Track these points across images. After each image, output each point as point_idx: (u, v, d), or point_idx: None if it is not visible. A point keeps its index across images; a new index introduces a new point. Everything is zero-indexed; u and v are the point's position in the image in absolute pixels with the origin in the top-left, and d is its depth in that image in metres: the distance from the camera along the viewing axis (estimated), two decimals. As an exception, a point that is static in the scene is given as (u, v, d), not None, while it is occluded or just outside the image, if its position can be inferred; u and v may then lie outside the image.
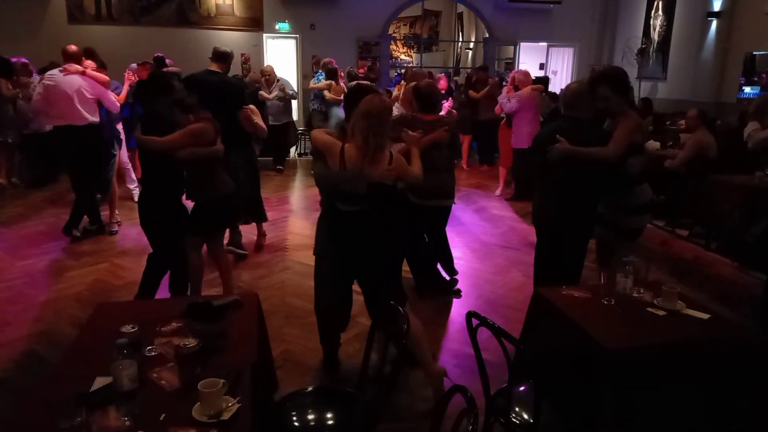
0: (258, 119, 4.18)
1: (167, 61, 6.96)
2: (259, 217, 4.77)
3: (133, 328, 1.69)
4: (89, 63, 4.98)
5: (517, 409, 2.01)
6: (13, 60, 6.66)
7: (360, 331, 3.33)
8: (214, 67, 4.26)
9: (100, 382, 1.60)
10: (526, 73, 6.50)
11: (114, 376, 1.46)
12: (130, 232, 5.21)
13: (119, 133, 5.43)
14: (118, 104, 5.09)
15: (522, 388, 2.09)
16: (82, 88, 4.79)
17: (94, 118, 4.88)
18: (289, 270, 4.39)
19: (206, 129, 3.22)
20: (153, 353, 1.76)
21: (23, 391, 2.74)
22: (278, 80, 7.99)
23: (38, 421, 1.46)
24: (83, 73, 4.82)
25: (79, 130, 4.77)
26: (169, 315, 2.01)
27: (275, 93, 7.81)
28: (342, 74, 8.09)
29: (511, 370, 2.16)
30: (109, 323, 1.99)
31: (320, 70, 8.19)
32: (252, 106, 4.26)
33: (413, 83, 4.00)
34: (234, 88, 4.25)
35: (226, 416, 1.47)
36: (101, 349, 1.80)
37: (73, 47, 4.93)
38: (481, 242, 5.16)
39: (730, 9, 8.25)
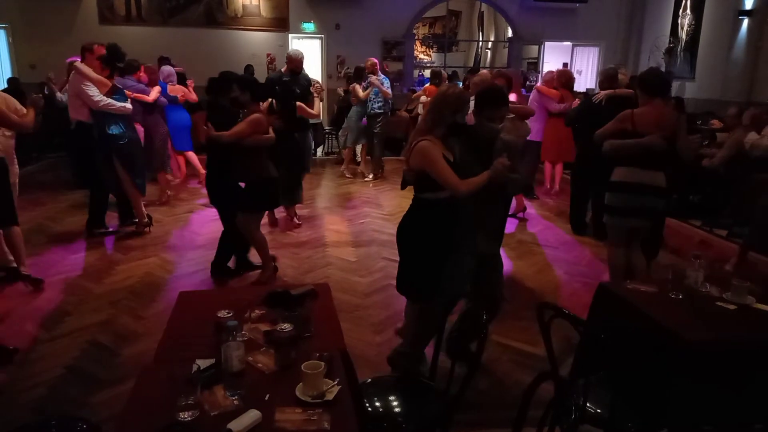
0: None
1: (172, 63, 7.13)
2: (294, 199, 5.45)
3: (228, 313, 1.75)
4: (86, 61, 4.72)
5: (587, 403, 2.04)
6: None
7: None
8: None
9: (201, 364, 1.67)
10: (565, 72, 6.56)
11: (225, 356, 1.53)
12: (173, 228, 5.33)
13: (125, 132, 4.78)
14: (99, 101, 4.56)
15: (590, 380, 2.12)
16: (71, 84, 4.75)
17: (79, 116, 4.71)
18: (331, 266, 4.45)
19: (262, 120, 3.74)
20: (244, 338, 1.83)
21: (93, 378, 2.84)
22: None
23: (155, 399, 1.53)
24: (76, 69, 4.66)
25: (73, 128, 4.80)
26: (251, 304, 2.07)
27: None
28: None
29: (578, 361, 2.20)
30: (194, 310, 2.07)
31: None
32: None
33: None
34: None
35: (329, 397, 1.53)
36: (194, 334, 1.88)
37: (85, 43, 4.85)
38: (518, 240, 5.19)
39: (764, 7, 8.16)
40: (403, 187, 2.89)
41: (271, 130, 3.85)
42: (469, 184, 2.49)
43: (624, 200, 3.48)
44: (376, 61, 7.64)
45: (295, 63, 5.80)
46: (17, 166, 4.21)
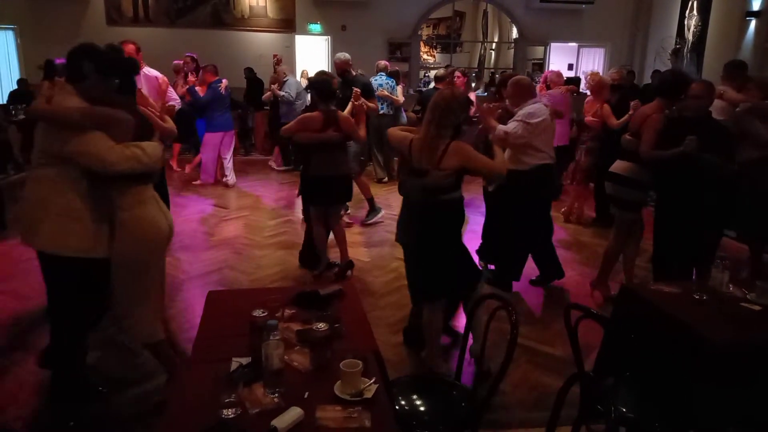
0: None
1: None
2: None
3: (263, 312, 1.78)
4: None
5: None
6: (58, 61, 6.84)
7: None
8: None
9: (237, 363, 1.69)
10: (559, 74, 6.52)
11: (266, 355, 1.55)
12: (185, 228, 5.35)
13: None
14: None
15: (614, 381, 2.14)
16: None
17: None
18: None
19: (307, 119, 4.00)
20: (276, 337, 1.85)
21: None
22: (286, 79, 7.89)
23: (198, 397, 1.56)
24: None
25: None
26: (280, 302, 2.10)
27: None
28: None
29: (601, 360, 2.22)
30: (225, 310, 2.10)
31: (381, 72, 7.61)
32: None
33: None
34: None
35: (368, 395, 1.55)
36: (227, 334, 1.90)
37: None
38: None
39: (771, 9, 8.18)
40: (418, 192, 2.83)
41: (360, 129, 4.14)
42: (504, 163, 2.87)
43: (609, 189, 3.81)
44: (387, 63, 7.71)
45: (339, 66, 5.91)
46: None
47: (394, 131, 2.94)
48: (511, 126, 3.63)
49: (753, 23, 8.42)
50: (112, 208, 2.41)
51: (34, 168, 2.39)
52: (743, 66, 4.84)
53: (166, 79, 4.76)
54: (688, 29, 9.92)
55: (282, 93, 7.77)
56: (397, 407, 2.03)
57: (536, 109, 3.68)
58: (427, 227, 2.73)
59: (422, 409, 2.06)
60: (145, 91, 4.47)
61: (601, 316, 1.95)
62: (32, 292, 3.83)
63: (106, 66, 2.40)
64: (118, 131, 2.33)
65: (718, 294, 2.26)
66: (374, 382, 1.60)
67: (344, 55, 5.98)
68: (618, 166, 3.78)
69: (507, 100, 3.92)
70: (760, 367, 1.98)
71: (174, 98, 4.86)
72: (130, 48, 4.61)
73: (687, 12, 9.96)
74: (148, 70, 4.69)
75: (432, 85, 7.75)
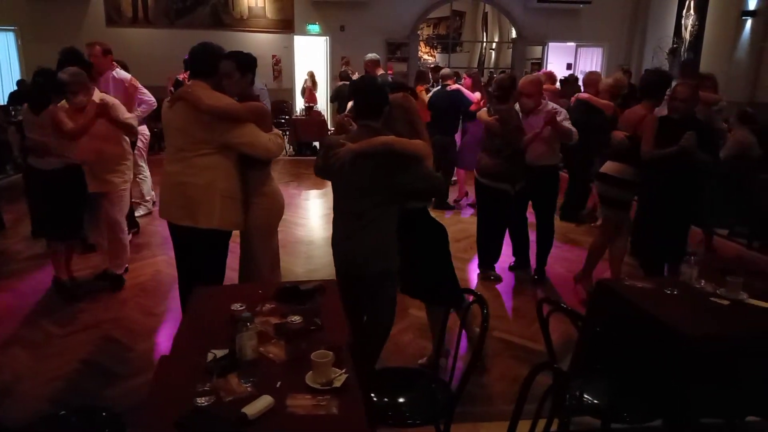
0: None
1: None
2: None
3: (242, 306, 1.84)
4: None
5: (584, 394, 2.12)
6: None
7: (412, 322, 3.47)
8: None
9: (215, 354, 1.75)
10: (550, 75, 6.59)
11: (239, 345, 1.61)
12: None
13: None
14: None
15: (588, 374, 2.19)
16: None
17: None
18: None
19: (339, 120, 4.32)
20: (255, 330, 1.91)
21: (109, 372, 2.94)
22: None
23: (174, 387, 1.62)
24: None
25: None
26: (262, 298, 2.16)
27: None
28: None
29: (578, 355, 2.28)
30: (209, 305, 2.16)
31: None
32: None
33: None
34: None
35: (337, 384, 1.61)
36: (209, 327, 1.97)
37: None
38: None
39: (767, 8, 8.20)
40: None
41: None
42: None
43: (599, 189, 3.91)
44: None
45: (366, 66, 5.97)
46: None
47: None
48: (568, 122, 3.96)
49: (749, 22, 8.44)
50: (249, 186, 2.85)
51: (189, 158, 2.71)
52: (698, 65, 5.35)
53: (135, 82, 4.81)
54: (685, 29, 9.94)
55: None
56: (376, 399, 2.10)
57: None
58: (429, 232, 2.85)
59: (400, 400, 2.12)
60: (112, 93, 4.53)
61: (571, 311, 2.00)
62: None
63: (244, 63, 2.76)
64: (266, 122, 2.80)
65: (689, 289, 2.31)
66: (345, 372, 1.66)
67: (374, 56, 5.97)
68: (610, 167, 3.82)
69: (523, 99, 4.01)
70: (727, 359, 2.03)
71: (147, 99, 4.91)
72: (96, 50, 4.63)
73: (684, 11, 9.99)
74: (117, 73, 4.74)
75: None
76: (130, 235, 4.97)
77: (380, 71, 5.73)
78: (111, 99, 3.82)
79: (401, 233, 2.45)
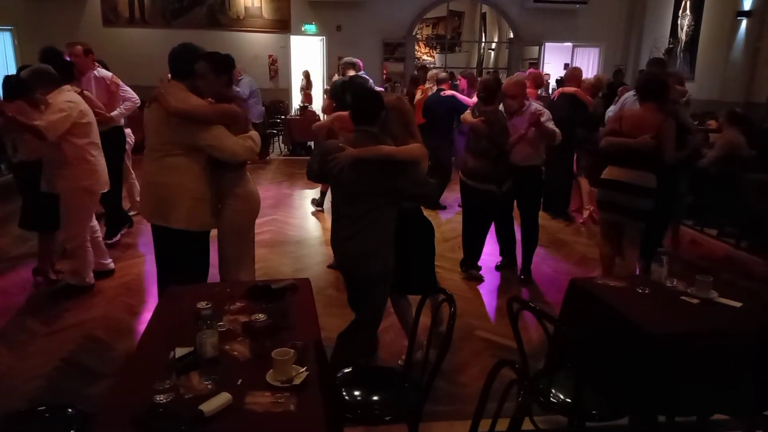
0: None
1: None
2: None
3: (207, 304, 1.85)
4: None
5: (553, 391, 2.13)
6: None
7: (393, 322, 3.47)
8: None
9: (179, 352, 1.77)
10: (538, 75, 6.59)
11: (199, 343, 1.62)
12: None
13: None
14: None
15: (559, 373, 2.20)
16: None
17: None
18: (325, 264, 4.54)
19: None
20: (223, 329, 1.93)
21: (90, 371, 2.95)
22: (241, 78, 7.81)
23: (135, 384, 1.63)
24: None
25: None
26: (232, 296, 2.18)
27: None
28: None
29: (550, 354, 2.28)
30: (179, 303, 2.18)
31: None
32: None
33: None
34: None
35: (297, 381, 1.62)
36: (176, 325, 1.98)
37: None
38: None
39: (762, 8, 8.19)
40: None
41: None
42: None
43: (610, 197, 3.61)
44: (357, 61, 7.60)
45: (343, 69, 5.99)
46: None
47: None
48: (551, 123, 4.00)
49: (744, 23, 8.43)
50: (221, 187, 2.86)
51: (160, 157, 2.74)
52: (664, 63, 5.59)
53: (117, 79, 4.83)
54: (681, 29, 9.93)
55: (237, 89, 7.82)
56: (348, 397, 2.11)
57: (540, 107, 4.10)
58: (422, 229, 2.93)
59: (370, 398, 2.13)
60: (94, 91, 4.56)
61: (538, 310, 2.01)
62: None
63: (218, 65, 2.73)
64: (239, 125, 2.79)
65: (660, 288, 2.32)
66: (306, 370, 1.67)
67: (349, 59, 6.03)
68: (623, 174, 3.51)
69: (508, 101, 4.02)
70: (694, 357, 2.03)
71: (130, 96, 4.91)
72: (77, 50, 4.64)
73: (680, 12, 9.97)
74: (98, 72, 4.75)
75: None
76: (123, 231, 5.06)
77: (351, 72, 5.76)
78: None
79: (395, 232, 2.52)
